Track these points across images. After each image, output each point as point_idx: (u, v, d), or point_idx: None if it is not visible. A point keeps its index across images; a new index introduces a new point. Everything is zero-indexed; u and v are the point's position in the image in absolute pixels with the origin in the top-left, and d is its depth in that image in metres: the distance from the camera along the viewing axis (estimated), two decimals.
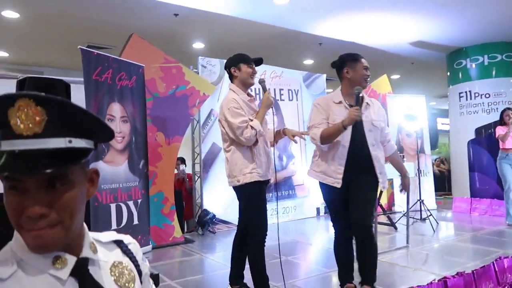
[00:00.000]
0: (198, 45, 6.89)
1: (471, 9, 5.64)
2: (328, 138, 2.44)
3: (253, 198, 2.55)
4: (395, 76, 10.10)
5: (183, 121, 4.80)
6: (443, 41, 7.13)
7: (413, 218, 5.26)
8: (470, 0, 5.31)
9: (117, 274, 0.74)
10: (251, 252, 2.60)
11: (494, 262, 2.58)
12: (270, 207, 5.60)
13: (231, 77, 2.70)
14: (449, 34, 6.72)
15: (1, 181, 0.64)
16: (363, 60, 2.61)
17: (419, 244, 4.17)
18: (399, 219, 5.04)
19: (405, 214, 4.29)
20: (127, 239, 0.82)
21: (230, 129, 2.51)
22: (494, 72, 7.20)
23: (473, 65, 7.40)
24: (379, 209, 5.25)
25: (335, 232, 2.70)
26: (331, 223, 4.84)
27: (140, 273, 0.80)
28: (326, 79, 7.84)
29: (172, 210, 4.54)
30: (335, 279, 3.17)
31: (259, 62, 2.73)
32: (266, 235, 2.63)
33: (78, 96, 3.85)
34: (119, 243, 0.80)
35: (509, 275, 2.61)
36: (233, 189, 2.67)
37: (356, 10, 5.63)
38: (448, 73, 7.93)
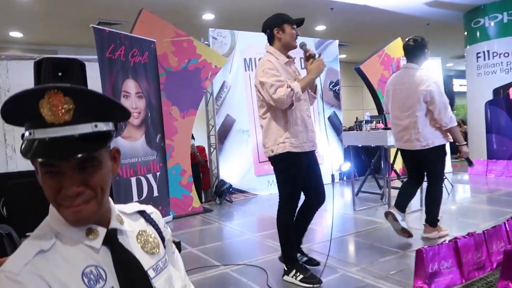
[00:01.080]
0: (208, 16, 6.83)
1: None
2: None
3: (285, 169, 2.46)
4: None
5: (197, 95, 4.86)
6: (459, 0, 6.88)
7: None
8: None
9: (143, 242, 0.83)
10: (280, 221, 2.56)
11: (506, 222, 2.63)
12: None
13: (272, 39, 2.51)
14: None
15: (33, 165, 0.73)
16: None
17: None
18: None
19: None
20: (149, 209, 0.91)
21: (264, 90, 2.38)
22: None
23: (492, 23, 7.14)
24: (393, 173, 5.30)
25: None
26: (346, 189, 4.94)
27: (163, 239, 0.89)
28: (339, 45, 7.71)
29: (190, 181, 4.69)
30: (350, 244, 3.29)
31: (301, 23, 2.53)
32: (296, 207, 2.58)
33: (91, 75, 3.94)
34: (142, 213, 0.89)
35: None
36: (269, 160, 2.54)
37: None
38: (466, 33, 7.67)
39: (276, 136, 2.42)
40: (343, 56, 11.71)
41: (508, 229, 2.60)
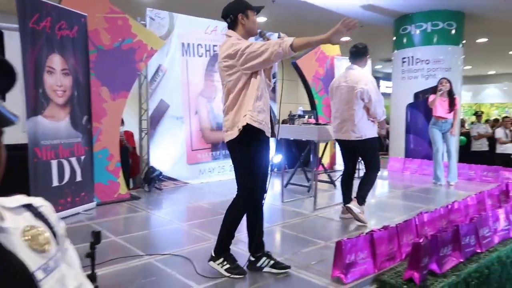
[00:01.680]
0: None
1: None
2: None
3: (244, 148, 2.38)
4: (345, 38, 10.27)
5: (130, 76, 4.64)
6: (392, 6, 7.31)
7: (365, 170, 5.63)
8: None
9: (30, 239, 0.72)
10: (233, 212, 2.48)
11: (416, 217, 2.89)
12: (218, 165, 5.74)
13: (234, 25, 2.44)
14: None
15: None
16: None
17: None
18: (338, 178, 5.36)
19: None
20: (37, 201, 0.80)
21: (243, 54, 2.26)
22: (435, 39, 7.56)
23: (418, 31, 7.70)
24: (320, 167, 5.53)
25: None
26: (276, 181, 5.03)
27: (55, 234, 0.80)
28: (278, 38, 7.74)
29: (118, 167, 4.50)
30: (276, 234, 3.38)
31: (260, 10, 2.52)
32: (254, 198, 2.48)
33: (13, 44, 3.57)
34: (29, 207, 0.78)
35: (427, 228, 2.94)
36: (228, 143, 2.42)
37: None
38: (394, 38, 8.20)
39: (245, 112, 2.34)
40: None
41: (417, 223, 2.85)
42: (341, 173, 3.98)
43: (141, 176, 5.25)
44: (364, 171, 3.69)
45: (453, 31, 7.53)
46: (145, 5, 6.00)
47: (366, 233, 2.51)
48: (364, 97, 3.42)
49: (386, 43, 8.79)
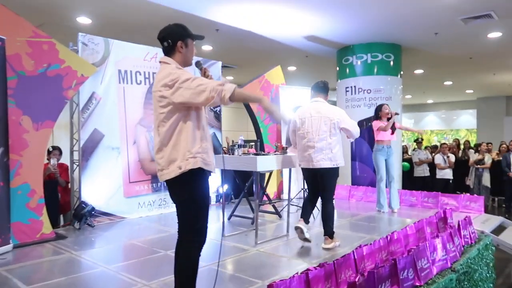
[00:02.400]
0: (83, 19, 6.24)
1: (357, 9, 6.00)
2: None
3: (194, 191, 2.20)
4: (292, 68, 10.46)
5: (56, 104, 4.28)
6: (333, 38, 7.53)
7: (297, 206, 5.51)
8: (356, 1, 5.64)
9: None
10: (189, 260, 2.25)
11: (354, 250, 2.77)
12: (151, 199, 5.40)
13: (171, 51, 2.26)
14: (339, 31, 7.11)
15: None
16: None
17: None
18: (283, 208, 5.23)
19: (288, 203, 4.44)
20: None
21: (179, 88, 2.08)
22: (375, 70, 7.85)
23: (359, 62, 7.97)
24: (265, 197, 5.38)
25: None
26: (221, 212, 4.79)
27: None
28: (226, 66, 7.72)
29: (41, 203, 4.06)
30: (210, 274, 3.12)
31: (199, 39, 2.38)
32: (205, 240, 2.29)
33: None
34: None
35: (367, 262, 2.83)
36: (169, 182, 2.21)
37: None
38: (338, 68, 8.43)
39: (185, 150, 2.14)
40: (230, 77, 11.92)
41: (356, 257, 2.73)
42: (287, 202, 4.17)
43: (72, 212, 4.81)
44: (322, 202, 3.86)
45: (392, 63, 7.87)
46: (81, 30, 5.72)
47: (301, 273, 2.33)
48: (342, 126, 3.78)
49: (330, 73, 9.04)
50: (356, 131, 3.90)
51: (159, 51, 5.53)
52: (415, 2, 5.68)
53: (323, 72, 10.57)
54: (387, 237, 3.09)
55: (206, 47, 8.20)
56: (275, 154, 4.05)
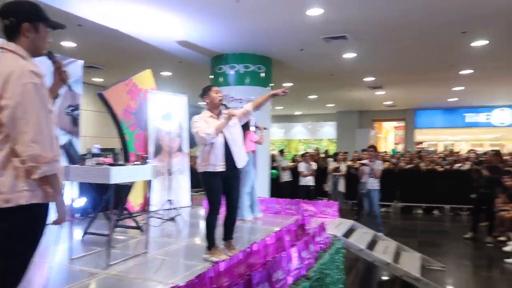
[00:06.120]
0: None
1: (229, 19, 6.04)
2: None
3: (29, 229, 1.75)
4: (166, 73, 10.11)
5: None
6: (207, 45, 7.47)
7: (161, 218, 5.23)
8: (229, 10, 5.65)
9: None
10: None
11: (211, 267, 2.64)
12: None
13: (14, 32, 1.80)
14: (212, 39, 7.08)
15: None
16: None
17: (160, 247, 4.08)
18: (147, 220, 4.88)
19: (152, 216, 4.14)
20: None
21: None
22: (247, 80, 8.04)
23: (232, 72, 8.07)
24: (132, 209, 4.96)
25: None
26: (76, 230, 4.21)
27: None
28: (92, 67, 7.00)
29: None
30: None
31: (57, 28, 1.97)
32: None
33: None
34: None
35: (225, 278, 2.72)
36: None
37: None
38: (212, 76, 8.41)
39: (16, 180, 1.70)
40: (100, 79, 11.00)
41: (212, 275, 2.60)
42: (152, 214, 3.77)
43: None
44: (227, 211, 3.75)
45: (263, 74, 8.17)
46: None
47: None
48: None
49: (205, 80, 8.95)
50: (197, 138, 3.63)
51: None
52: (282, 18, 5.97)
53: (198, 79, 10.44)
54: (245, 249, 3.05)
55: (68, 44, 7.36)
56: (134, 164, 3.72)
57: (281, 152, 10.03)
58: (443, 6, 5.40)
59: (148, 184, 6.07)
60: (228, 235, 3.78)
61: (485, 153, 10.74)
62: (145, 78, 6.60)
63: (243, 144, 3.90)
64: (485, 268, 5.78)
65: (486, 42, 6.98)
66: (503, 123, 15.02)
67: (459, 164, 10.40)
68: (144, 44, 7.39)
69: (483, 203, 7.19)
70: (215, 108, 3.69)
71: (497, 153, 7.79)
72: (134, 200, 5.95)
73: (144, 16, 5.94)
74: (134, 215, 4.91)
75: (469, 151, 12.18)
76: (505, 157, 10.26)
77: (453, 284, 5.05)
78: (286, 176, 9.19)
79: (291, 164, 9.42)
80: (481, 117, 15.32)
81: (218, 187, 3.61)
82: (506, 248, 6.28)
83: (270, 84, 8.42)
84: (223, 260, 2.77)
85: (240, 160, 3.63)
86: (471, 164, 9.78)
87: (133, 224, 4.62)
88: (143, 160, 3.83)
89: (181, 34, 6.84)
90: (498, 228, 7.07)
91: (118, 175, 3.38)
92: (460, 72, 9.45)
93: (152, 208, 5.91)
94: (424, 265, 5.34)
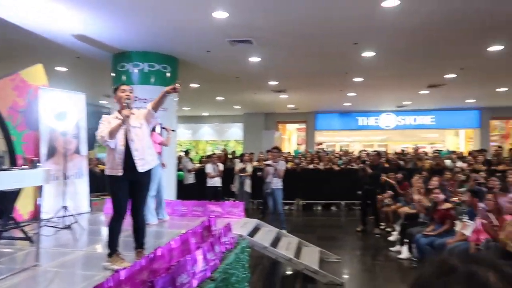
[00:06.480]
0: None
1: (130, 15, 5.78)
2: None
3: None
4: (61, 68, 9.30)
5: None
6: (107, 41, 7.06)
7: (55, 227, 4.81)
8: (127, 5, 5.41)
9: None
10: None
11: (110, 277, 2.51)
12: None
13: None
14: (113, 35, 6.71)
15: None
16: None
17: (54, 259, 3.75)
18: (38, 231, 4.43)
19: (45, 225, 3.77)
20: None
21: None
22: (152, 80, 7.79)
23: (135, 70, 7.75)
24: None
25: None
26: None
27: None
28: None
29: None
30: None
31: None
32: None
33: None
34: None
35: (126, 287, 2.61)
36: None
37: None
38: (114, 74, 7.97)
39: None
40: None
41: (111, 285, 2.47)
42: (44, 223, 3.75)
43: None
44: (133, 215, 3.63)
45: (168, 74, 7.98)
46: None
47: None
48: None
49: (106, 78, 8.46)
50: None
51: None
52: (188, 19, 5.91)
53: (98, 76, 9.82)
54: (148, 255, 2.95)
55: None
56: (21, 169, 3.36)
57: (187, 153, 9.89)
58: (336, 18, 5.87)
59: (39, 190, 5.53)
60: (137, 243, 3.63)
61: (367, 154, 11.94)
62: (35, 73, 6.00)
63: (151, 146, 3.77)
64: (374, 257, 6.43)
65: (373, 53, 7.77)
66: (388, 126, 16.83)
67: (352, 164, 11.40)
68: (34, 36, 6.70)
69: (368, 198, 7.99)
70: (123, 108, 3.52)
71: (378, 153, 8.80)
72: (22, 208, 5.37)
73: (35, 4, 5.39)
74: (23, 224, 4.43)
75: (360, 151, 13.41)
76: (390, 157, 11.55)
77: (347, 273, 5.51)
78: (190, 178, 9.11)
79: (198, 165, 9.36)
80: (370, 121, 16.96)
81: (121, 192, 3.45)
82: (391, 238, 7.06)
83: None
84: (124, 268, 2.65)
85: (142, 164, 3.50)
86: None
87: (21, 235, 4.16)
88: (33, 163, 3.48)
89: (78, 27, 6.35)
90: (383, 221, 7.93)
91: (1, 181, 3.02)
92: (353, 79, 10.37)
93: (44, 216, 5.38)
94: (322, 258, 5.74)
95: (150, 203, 5.37)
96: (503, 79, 10.51)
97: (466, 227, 4.89)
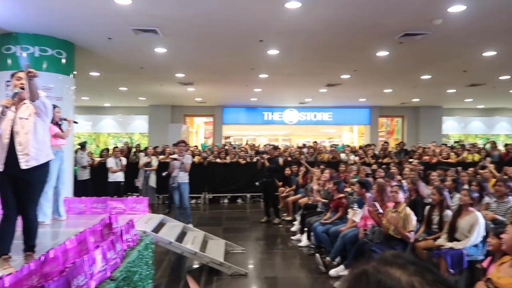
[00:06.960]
0: None
1: None
2: None
3: None
4: None
5: None
6: None
7: None
8: None
9: None
10: None
11: None
12: None
13: None
14: None
15: None
16: None
17: None
18: None
19: None
20: None
21: None
22: (45, 66, 7.09)
23: (24, 54, 6.98)
24: None
25: None
26: None
27: None
28: None
29: None
30: None
31: None
32: None
33: None
34: None
35: None
36: None
37: None
38: None
39: None
40: None
41: None
42: None
43: None
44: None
45: (64, 60, 7.35)
46: None
47: None
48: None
49: None
50: None
51: None
52: (86, 2, 5.48)
53: None
54: (39, 258, 2.72)
55: None
56: None
57: (82, 147, 9.12)
58: (241, 15, 5.98)
59: None
60: (25, 246, 3.30)
61: (264, 145, 12.42)
62: None
63: (43, 141, 3.43)
64: (276, 246, 6.75)
65: (278, 51, 8.09)
66: (291, 121, 17.70)
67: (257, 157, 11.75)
68: None
69: (266, 189, 8.34)
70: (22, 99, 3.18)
71: (275, 147, 9.28)
72: None
73: None
74: None
75: (265, 145, 13.90)
76: (294, 151, 12.18)
77: (251, 263, 5.71)
78: (85, 175, 8.52)
79: (98, 159, 8.78)
80: (275, 116, 17.65)
81: (5, 189, 3.11)
82: (293, 228, 7.49)
83: (73, 72, 7.66)
84: (10, 274, 2.40)
85: (26, 160, 3.18)
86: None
87: None
88: None
89: None
90: (285, 212, 8.37)
91: None
92: (259, 76, 10.68)
93: None
94: (228, 250, 5.85)
95: (44, 201, 4.91)
96: (389, 81, 11.78)
97: (356, 215, 5.41)
